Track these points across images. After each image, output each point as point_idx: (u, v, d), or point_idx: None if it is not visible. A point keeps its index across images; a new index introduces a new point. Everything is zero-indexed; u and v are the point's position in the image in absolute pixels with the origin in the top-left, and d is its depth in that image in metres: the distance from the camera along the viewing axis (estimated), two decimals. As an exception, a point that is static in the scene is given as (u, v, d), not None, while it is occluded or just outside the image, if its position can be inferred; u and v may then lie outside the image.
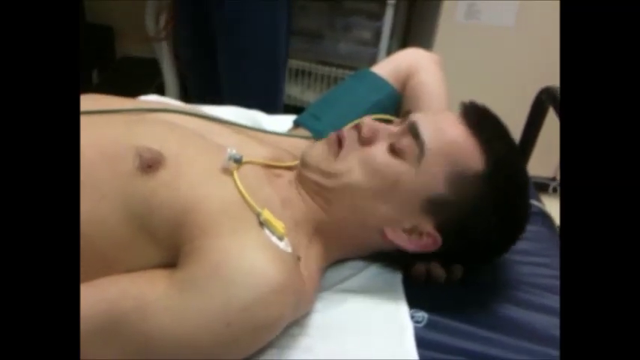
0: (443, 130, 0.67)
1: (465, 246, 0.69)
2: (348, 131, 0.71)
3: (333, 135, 0.71)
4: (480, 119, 0.69)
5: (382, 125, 0.71)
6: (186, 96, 2.17)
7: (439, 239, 0.68)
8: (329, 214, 0.70)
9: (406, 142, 0.67)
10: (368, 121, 0.70)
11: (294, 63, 2.06)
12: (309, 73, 2.08)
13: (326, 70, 2.04)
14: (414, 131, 0.67)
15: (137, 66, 2.31)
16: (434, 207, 0.67)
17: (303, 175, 0.72)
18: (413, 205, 0.67)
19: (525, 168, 0.73)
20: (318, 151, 0.72)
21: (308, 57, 2.06)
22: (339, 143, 0.70)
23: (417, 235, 0.68)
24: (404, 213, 0.68)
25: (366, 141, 0.69)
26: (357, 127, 0.71)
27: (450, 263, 0.73)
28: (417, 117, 0.69)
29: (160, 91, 2.18)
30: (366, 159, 0.68)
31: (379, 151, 0.68)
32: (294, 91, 2.18)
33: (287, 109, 2.18)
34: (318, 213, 0.70)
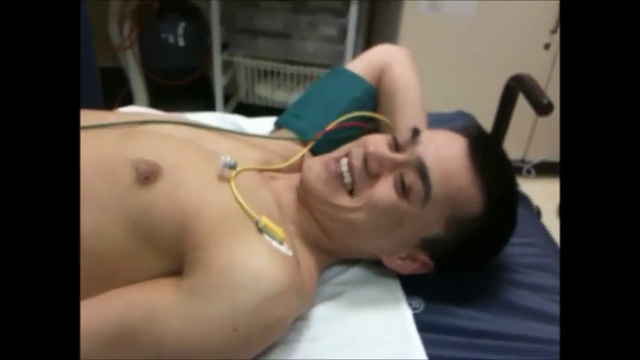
0: (451, 175, 0.66)
1: (457, 266, 0.73)
2: (357, 163, 0.69)
3: (331, 163, 0.70)
4: (485, 155, 0.68)
5: (388, 155, 0.69)
6: (155, 104, 2.16)
7: (431, 265, 0.71)
8: (328, 236, 0.73)
9: (413, 179, 0.66)
10: (374, 152, 0.68)
11: (262, 64, 2.07)
12: (278, 73, 2.10)
13: (295, 68, 2.06)
14: (422, 172, 0.66)
15: (101, 77, 2.28)
16: (430, 244, 0.69)
17: (305, 199, 0.72)
18: (410, 241, 0.69)
19: (517, 200, 0.74)
20: (319, 181, 0.70)
21: (275, 57, 2.07)
22: (343, 177, 0.69)
23: (411, 261, 0.72)
24: (401, 246, 0.70)
25: (373, 175, 0.68)
26: (364, 159, 0.69)
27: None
28: (425, 150, 0.67)
29: (128, 101, 2.16)
30: (373, 201, 0.67)
31: (385, 192, 0.67)
32: (264, 91, 2.19)
33: (258, 110, 2.20)
34: (315, 230, 0.73)
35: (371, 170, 0.68)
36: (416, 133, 0.70)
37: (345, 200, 0.69)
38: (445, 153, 0.67)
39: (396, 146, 0.71)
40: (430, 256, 0.70)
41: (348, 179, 0.69)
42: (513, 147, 2.02)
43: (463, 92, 1.81)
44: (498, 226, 0.71)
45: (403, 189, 0.66)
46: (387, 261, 0.73)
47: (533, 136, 2.04)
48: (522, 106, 1.07)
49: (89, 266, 0.59)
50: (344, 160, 0.70)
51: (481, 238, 0.69)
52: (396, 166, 0.68)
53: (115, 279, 0.60)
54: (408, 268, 0.72)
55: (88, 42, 1.26)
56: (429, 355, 0.65)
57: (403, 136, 0.71)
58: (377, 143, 0.70)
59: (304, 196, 0.73)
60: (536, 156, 2.03)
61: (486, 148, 0.70)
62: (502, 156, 0.74)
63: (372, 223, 0.68)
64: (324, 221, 0.72)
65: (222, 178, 0.66)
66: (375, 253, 0.73)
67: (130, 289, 0.60)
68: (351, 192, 0.69)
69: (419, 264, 0.71)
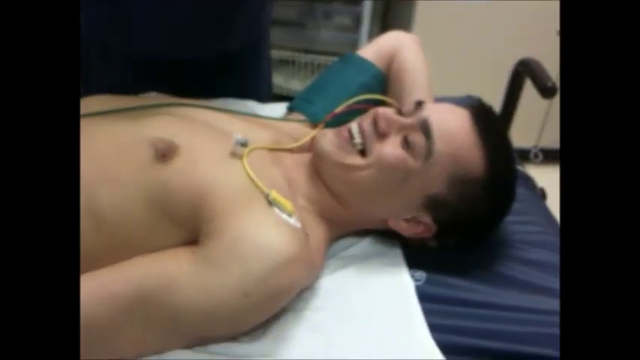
0: (453, 134, 0.72)
1: (458, 233, 0.77)
2: (367, 126, 0.75)
3: (343, 129, 0.76)
4: (487, 124, 0.74)
5: (396, 117, 0.75)
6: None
7: (434, 229, 0.75)
8: (338, 201, 0.77)
9: (417, 138, 0.71)
10: (383, 113, 0.75)
11: (277, 53, 2.10)
12: (293, 62, 2.12)
13: (309, 57, 2.08)
14: (425, 130, 0.71)
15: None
16: (434, 204, 0.73)
17: (318, 165, 0.77)
18: (415, 200, 0.74)
19: (516, 172, 0.79)
20: (331, 144, 0.75)
21: (290, 46, 2.10)
22: (352, 137, 0.74)
23: (415, 224, 0.76)
24: (407, 206, 0.74)
25: (382, 134, 0.74)
26: (374, 120, 0.74)
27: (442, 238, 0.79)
28: (429, 114, 0.73)
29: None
30: (382, 157, 0.72)
31: (393, 147, 0.72)
32: (278, 80, 2.22)
33: (274, 98, 2.22)
34: (326, 198, 0.77)
35: (380, 129, 0.73)
36: (419, 104, 0.75)
37: (356, 160, 0.74)
38: (448, 116, 0.74)
39: (402, 115, 0.76)
40: (433, 219, 0.74)
41: (358, 139, 0.74)
42: (526, 132, 2.04)
43: (476, 77, 1.82)
44: (498, 193, 0.75)
45: (408, 146, 0.71)
46: (393, 224, 0.76)
47: (547, 123, 2.05)
48: (533, 91, 1.09)
49: (110, 238, 0.64)
50: (354, 125, 0.76)
51: (481, 204, 0.73)
52: (402, 127, 0.73)
53: (135, 250, 0.65)
54: (413, 230, 0.76)
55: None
56: (429, 323, 0.68)
57: (407, 107, 0.76)
58: (385, 109, 0.76)
59: (317, 162, 0.77)
60: (547, 143, 2.05)
61: (487, 117, 0.76)
62: (501, 126, 0.78)
63: (380, 181, 0.73)
64: (336, 185, 0.76)
65: (235, 155, 0.70)
66: (383, 215, 0.77)
67: (149, 257, 0.64)
68: (361, 152, 0.74)
69: (423, 227, 0.75)
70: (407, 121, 0.74)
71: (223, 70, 1.05)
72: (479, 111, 0.75)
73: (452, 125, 0.73)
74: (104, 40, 0.98)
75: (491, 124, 0.75)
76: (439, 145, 0.71)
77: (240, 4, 0.95)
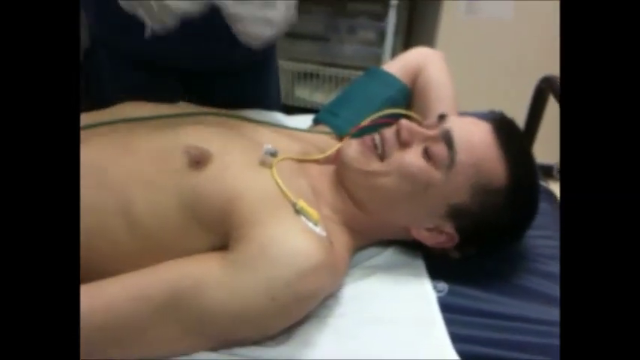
0: (475, 144, 0.73)
1: (480, 243, 0.78)
2: (389, 134, 0.77)
3: (367, 138, 0.78)
4: (508, 136, 0.75)
5: (418, 128, 0.77)
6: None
7: (457, 238, 0.76)
8: (361, 209, 0.78)
9: (439, 149, 0.73)
10: (406, 124, 0.77)
11: (301, 66, 2.13)
12: (317, 75, 2.15)
13: (333, 71, 2.10)
14: (448, 140, 0.73)
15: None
16: (456, 213, 0.75)
17: (342, 173, 0.79)
18: (438, 209, 0.75)
19: (539, 185, 0.80)
20: (355, 152, 0.78)
21: (315, 59, 2.12)
22: (376, 147, 0.77)
23: (437, 233, 0.77)
24: (429, 215, 0.76)
25: (404, 143, 0.76)
26: (396, 130, 0.77)
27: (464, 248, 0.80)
28: (451, 125, 0.75)
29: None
30: (403, 165, 0.74)
31: (414, 156, 0.74)
32: (302, 93, 2.24)
33: (297, 111, 2.25)
34: (350, 207, 0.79)
35: (402, 139, 0.75)
36: (442, 117, 0.77)
37: (376, 165, 0.76)
38: (471, 127, 0.75)
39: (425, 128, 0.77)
40: (456, 228, 0.75)
41: (379, 147, 0.77)
42: (548, 149, 2.03)
43: (500, 93, 1.83)
44: (520, 202, 0.76)
45: (430, 156, 0.73)
46: (415, 233, 0.78)
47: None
48: (556, 107, 1.09)
49: (144, 240, 0.67)
50: (377, 135, 0.78)
51: (504, 213, 0.74)
52: (425, 138, 0.75)
53: (167, 253, 0.67)
54: (435, 240, 0.77)
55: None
56: (450, 333, 0.69)
57: (430, 120, 0.78)
58: (408, 122, 0.78)
59: (341, 170, 0.79)
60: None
61: (509, 129, 0.77)
62: (523, 138, 0.79)
63: (402, 188, 0.74)
64: (359, 192, 0.78)
65: (264, 164, 0.72)
66: (405, 223, 0.78)
67: (180, 260, 0.66)
68: (382, 159, 0.76)
69: (445, 237, 0.77)
70: (430, 132, 0.76)
71: (224, 73, 1.06)
72: (500, 124, 0.77)
73: (474, 136, 0.74)
74: (105, 40, 0.99)
75: (513, 136, 0.77)
76: (461, 155, 0.72)
77: None
